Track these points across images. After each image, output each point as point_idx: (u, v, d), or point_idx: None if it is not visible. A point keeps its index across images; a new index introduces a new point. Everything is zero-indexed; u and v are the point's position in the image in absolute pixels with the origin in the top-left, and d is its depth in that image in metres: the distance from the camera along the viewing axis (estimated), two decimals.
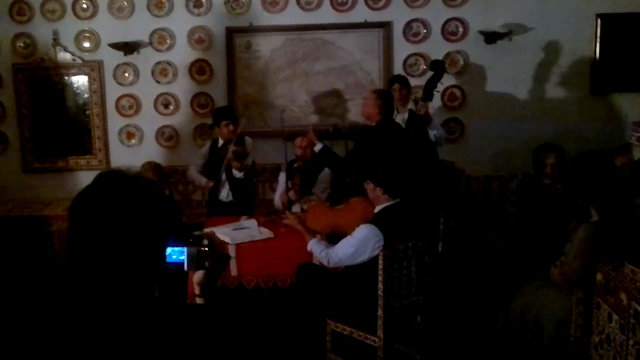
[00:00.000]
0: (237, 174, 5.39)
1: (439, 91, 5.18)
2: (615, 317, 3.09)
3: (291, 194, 5.14)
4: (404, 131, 5.12)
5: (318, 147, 5.05)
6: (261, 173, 6.18)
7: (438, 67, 5.14)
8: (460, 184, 5.95)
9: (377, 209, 3.92)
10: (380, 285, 3.55)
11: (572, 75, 6.04)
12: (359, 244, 3.72)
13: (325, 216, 4.40)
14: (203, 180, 5.56)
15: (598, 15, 5.91)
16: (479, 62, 6.07)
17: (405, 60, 6.08)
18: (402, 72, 5.98)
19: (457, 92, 6.13)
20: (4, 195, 6.45)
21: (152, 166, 5.26)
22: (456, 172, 5.90)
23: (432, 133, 5.16)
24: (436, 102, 5.97)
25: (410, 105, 5.34)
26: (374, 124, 4.96)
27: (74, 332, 1.42)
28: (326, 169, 5.34)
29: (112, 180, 1.54)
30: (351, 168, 5.00)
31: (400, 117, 5.29)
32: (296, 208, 5.32)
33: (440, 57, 5.98)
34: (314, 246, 3.98)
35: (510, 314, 3.88)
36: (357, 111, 5.72)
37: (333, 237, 4.14)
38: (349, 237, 3.80)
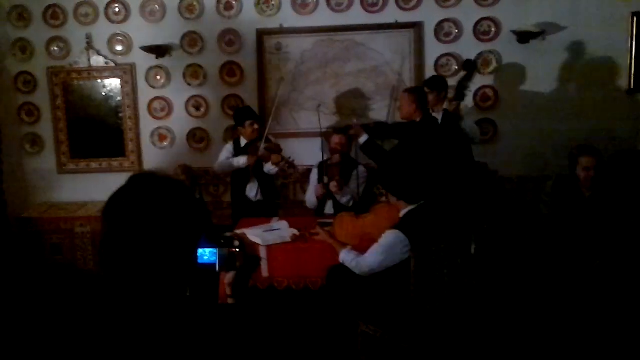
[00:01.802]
0: (272, 169, 5.36)
1: (470, 90, 5.14)
2: None
3: (333, 185, 5.11)
4: (442, 128, 5.12)
5: (363, 139, 5.05)
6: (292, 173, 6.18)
7: (470, 67, 5.12)
8: (493, 185, 5.88)
9: (401, 214, 3.89)
10: (411, 288, 3.52)
11: (607, 75, 5.93)
12: (386, 250, 3.70)
13: (353, 226, 4.37)
14: (243, 160, 5.37)
15: (634, 14, 5.79)
16: (512, 62, 5.99)
17: (436, 61, 6.03)
18: (434, 73, 5.93)
19: (490, 93, 6.06)
20: (39, 197, 6.56)
21: (184, 169, 5.31)
22: (489, 173, 5.84)
23: (467, 130, 5.14)
24: (468, 101, 5.94)
25: (446, 105, 5.27)
26: (418, 120, 5.00)
27: (106, 330, 1.43)
28: (361, 166, 5.32)
29: (145, 182, 1.55)
30: (395, 162, 4.98)
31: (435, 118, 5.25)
32: (328, 208, 5.30)
33: (472, 57, 5.93)
34: (345, 256, 3.97)
35: (544, 316, 3.82)
36: (387, 113, 5.68)
37: (364, 246, 4.12)
38: (375, 244, 3.78)
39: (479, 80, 6.01)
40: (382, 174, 3.99)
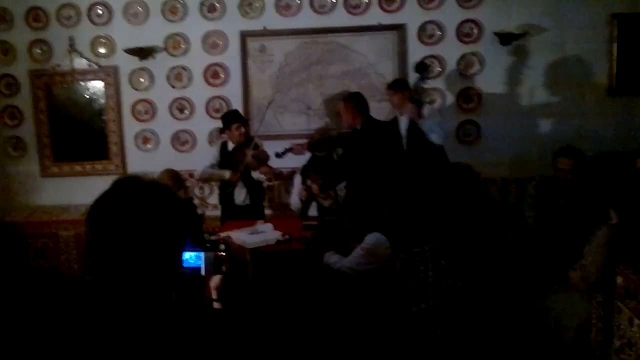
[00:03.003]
0: (261, 177, 5.36)
1: (425, 93, 5.15)
2: (636, 321, 3.05)
3: (314, 188, 5.13)
4: (390, 128, 5.16)
5: (307, 158, 5.12)
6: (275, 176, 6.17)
7: (420, 69, 5.17)
8: (477, 187, 5.91)
9: None
10: (397, 289, 3.54)
11: (589, 77, 5.98)
12: (368, 253, 3.74)
13: None
14: (227, 173, 5.42)
15: (614, 16, 5.84)
16: (495, 64, 6.01)
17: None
18: (417, 74, 5.95)
19: (473, 94, 6.09)
20: (23, 200, 6.51)
21: (171, 174, 5.25)
22: (473, 174, 5.86)
23: (430, 136, 5.10)
24: (449, 104, 6.00)
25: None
26: (358, 127, 5.07)
27: (91, 335, 1.42)
28: None
29: (129, 186, 1.54)
30: (341, 175, 5.06)
31: (403, 122, 5.27)
32: (312, 211, 5.31)
33: (455, 59, 6.00)
34: (329, 259, 4.01)
35: (529, 318, 3.85)
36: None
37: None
38: (358, 247, 3.81)
39: (462, 82, 6.05)
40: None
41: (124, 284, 1.48)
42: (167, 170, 5.01)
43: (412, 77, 5.90)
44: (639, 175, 4.34)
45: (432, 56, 6.04)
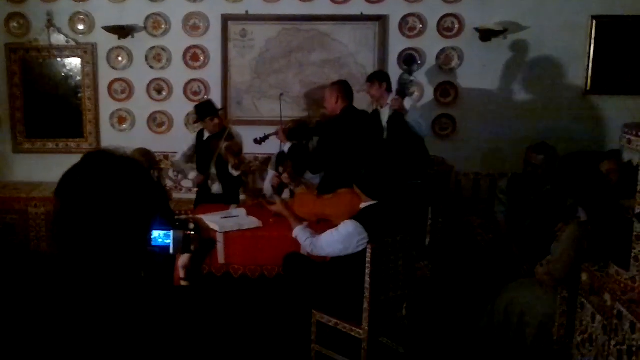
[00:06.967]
0: (234, 172, 5.34)
1: (412, 85, 5.18)
2: (598, 317, 3.11)
3: (284, 177, 5.14)
4: (370, 117, 5.24)
5: (287, 146, 5.14)
6: (251, 162, 6.16)
7: (409, 62, 5.20)
8: (449, 181, 5.96)
9: (362, 205, 3.92)
10: (367, 278, 3.56)
11: (565, 76, 6.05)
12: (343, 239, 3.72)
13: (313, 205, 4.41)
14: (192, 175, 5.55)
15: (593, 17, 5.91)
16: (474, 59, 6.06)
17: (400, 55, 6.06)
18: (397, 66, 5.97)
19: (451, 89, 6.13)
20: None
21: (142, 152, 5.21)
22: (446, 168, 5.92)
23: (417, 129, 5.15)
24: (427, 97, 6.02)
25: (389, 101, 5.28)
26: (338, 113, 5.14)
27: (58, 312, 1.41)
28: None
29: (99, 160, 1.53)
30: (321, 163, 5.08)
31: (383, 113, 5.31)
32: (285, 193, 5.32)
33: (434, 53, 6.02)
34: (300, 233, 3.98)
35: (494, 311, 3.90)
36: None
37: (319, 226, 4.15)
38: (334, 230, 3.79)
39: (441, 76, 6.08)
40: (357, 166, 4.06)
41: (91, 260, 1.47)
42: (139, 148, 4.98)
43: (392, 68, 5.95)
44: (605, 178, 4.42)
45: (413, 49, 6.07)
